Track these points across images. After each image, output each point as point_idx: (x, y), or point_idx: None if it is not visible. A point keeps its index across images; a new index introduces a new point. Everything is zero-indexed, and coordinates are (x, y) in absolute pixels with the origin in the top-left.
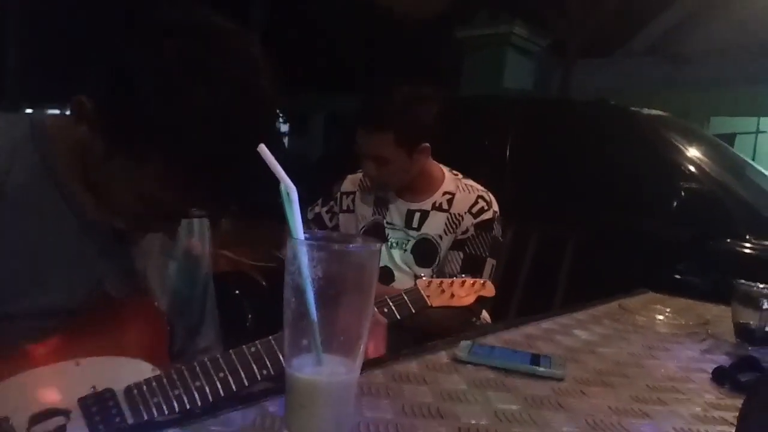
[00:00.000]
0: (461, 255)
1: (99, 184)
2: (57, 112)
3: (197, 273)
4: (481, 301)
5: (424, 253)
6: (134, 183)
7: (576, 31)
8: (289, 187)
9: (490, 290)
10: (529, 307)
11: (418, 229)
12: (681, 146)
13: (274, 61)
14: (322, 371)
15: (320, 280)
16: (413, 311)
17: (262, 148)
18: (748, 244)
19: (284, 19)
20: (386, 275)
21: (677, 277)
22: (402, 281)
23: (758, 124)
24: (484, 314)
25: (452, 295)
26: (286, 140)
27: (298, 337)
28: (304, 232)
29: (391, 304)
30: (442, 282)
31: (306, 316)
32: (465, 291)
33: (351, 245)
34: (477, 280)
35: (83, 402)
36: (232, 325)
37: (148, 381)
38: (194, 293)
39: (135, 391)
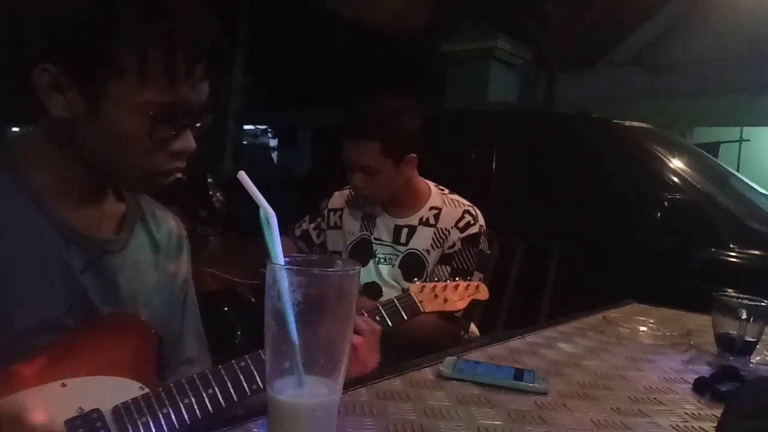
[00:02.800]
0: (448, 269)
1: (100, 149)
2: (16, 129)
3: (175, 282)
4: (472, 308)
5: (412, 267)
6: (135, 108)
7: (558, 43)
8: (268, 213)
9: (484, 293)
10: (516, 319)
11: (406, 244)
12: (664, 157)
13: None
14: (303, 393)
15: (300, 304)
16: (405, 318)
17: (242, 176)
18: (732, 253)
19: (270, 36)
20: (374, 290)
21: (662, 286)
22: (390, 296)
23: (741, 133)
24: (473, 327)
25: (445, 300)
26: (274, 155)
27: (279, 360)
28: (285, 257)
29: (383, 311)
30: (435, 287)
31: (287, 339)
32: (458, 295)
33: (330, 269)
34: (470, 283)
35: (70, 424)
36: (222, 342)
37: (135, 400)
38: (173, 301)
39: (123, 411)
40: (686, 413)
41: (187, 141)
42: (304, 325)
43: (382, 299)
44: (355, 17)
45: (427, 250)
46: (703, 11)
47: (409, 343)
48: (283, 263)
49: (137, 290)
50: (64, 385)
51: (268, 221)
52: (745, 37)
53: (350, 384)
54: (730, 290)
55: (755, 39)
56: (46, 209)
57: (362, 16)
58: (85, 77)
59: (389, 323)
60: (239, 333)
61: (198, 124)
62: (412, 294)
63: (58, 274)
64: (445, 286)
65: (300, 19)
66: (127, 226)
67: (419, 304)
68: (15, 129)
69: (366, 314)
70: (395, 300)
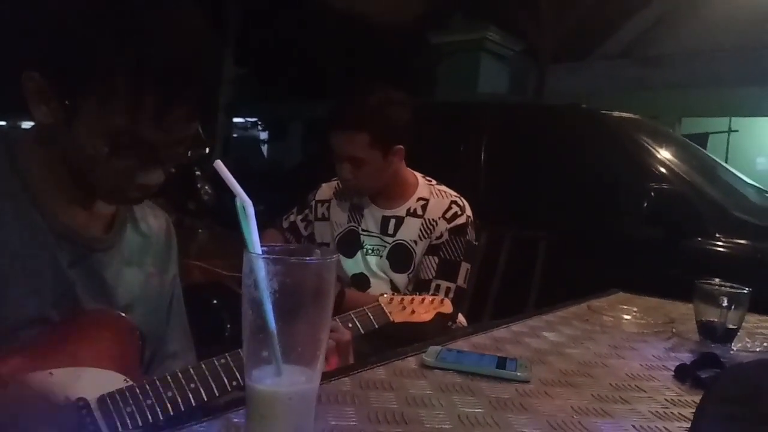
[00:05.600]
0: (436, 260)
1: (75, 163)
2: (27, 124)
3: (164, 279)
4: (459, 299)
5: (400, 258)
6: (106, 128)
7: (548, 35)
8: (245, 202)
9: (447, 307)
10: (504, 309)
11: (394, 235)
12: (651, 148)
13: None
14: (281, 382)
15: (276, 292)
16: (376, 326)
17: (219, 164)
18: (718, 243)
19: (261, 28)
20: (362, 281)
21: (649, 276)
22: (378, 287)
23: (730, 124)
24: (460, 318)
25: (413, 312)
26: (264, 148)
27: (257, 349)
28: (262, 246)
29: (355, 319)
30: (403, 299)
31: (264, 328)
32: (424, 308)
33: (307, 258)
34: (435, 297)
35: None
36: (211, 334)
37: (121, 391)
38: (161, 298)
39: (108, 401)
40: (666, 400)
41: (152, 176)
42: (281, 314)
43: (370, 289)
44: (346, 9)
45: (415, 241)
46: (692, 3)
47: (397, 334)
48: (260, 252)
49: (124, 287)
50: (51, 374)
51: (244, 210)
52: (733, 29)
53: (333, 373)
54: (717, 279)
55: (744, 30)
56: (39, 204)
57: (353, 8)
58: (62, 91)
59: (361, 330)
60: (228, 326)
61: (170, 161)
62: (382, 305)
63: (47, 268)
64: (413, 299)
65: (290, 11)
66: (117, 225)
67: (389, 315)
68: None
69: (339, 321)
70: (366, 309)
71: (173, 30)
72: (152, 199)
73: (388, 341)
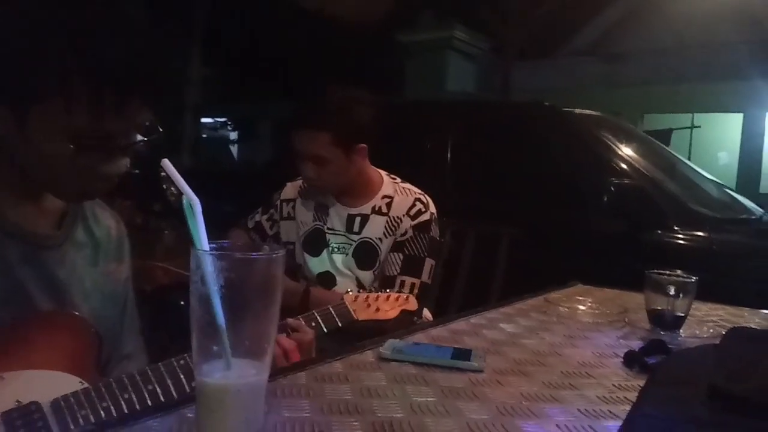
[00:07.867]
0: (401, 256)
1: (27, 164)
2: None
3: (117, 280)
4: (425, 294)
5: (365, 256)
6: (58, 134)
7: (514, 33)
8: (192, 200)
9: (412, 304)
10: (469, 304)
11: (359, 232)
12: (612, 144)
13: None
14: (230, 375)
15: (223, 288)
16: (339, 325)
17: (166, 163)
18: (676, 235)
19: (229, 27)
20: (328, 280)
21: (609, 268)
22: (343, 285)
23: (692, 120)
24: (426, 313)
25: (377, 309)
26: (234, 148)
27: (206, 344)
28: (210, 243)
29: (318, 317)
30: (368, 296)
31: (212, 323)
32: (389, 305)
33: (253, 253)
34: (401, 294)
35: (6, 416)
36: (178, 335)
37: (75, 394)
38: (114, 299)
39: (62, 404)
40: (614, 385)
41: (116, 166)
42: (229, 309)
43: (336, 287)
44: (314, 8)
45: (380, 239)
46: (656, 1)
47: (363, 331)
48: (207, 249)
49: (76, 286)
50: (1, 378)
51: (191, 208)
52: (696, 26)
53: (290, 368)
54: (679, 271)
55: (706, 27)
56: None
57: (321, 7)
58: (11, 99)
59: (324, 329)
60: None
61: (129, 149)
62: (347, 303)
63: None
64: (377, 296)
65: (260, 9)
66: (67, 223)
67: (353, 313)
68: None
69: (302, 319)
70: (330, 308)
71: (118, 23)
72: (119, 201)
73: (350, 339)
